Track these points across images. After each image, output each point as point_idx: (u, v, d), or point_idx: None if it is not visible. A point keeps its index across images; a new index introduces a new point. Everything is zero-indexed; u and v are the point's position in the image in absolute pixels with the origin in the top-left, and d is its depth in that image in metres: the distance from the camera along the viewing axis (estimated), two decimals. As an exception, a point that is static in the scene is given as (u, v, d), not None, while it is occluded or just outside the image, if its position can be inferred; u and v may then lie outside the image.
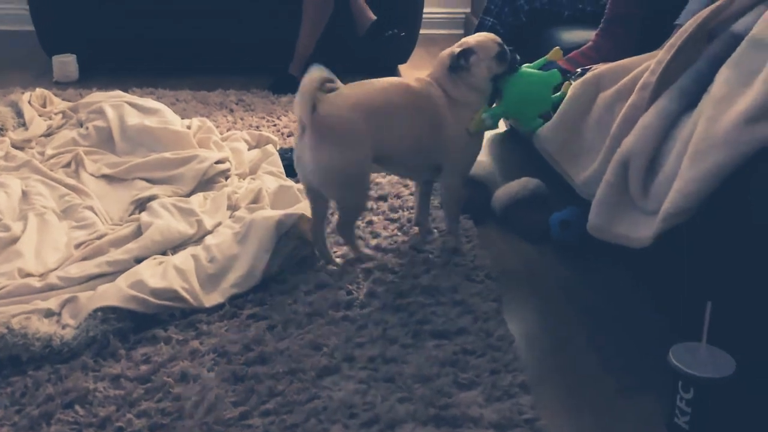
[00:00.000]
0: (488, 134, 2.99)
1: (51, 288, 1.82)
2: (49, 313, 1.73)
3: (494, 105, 2.05)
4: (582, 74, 2.06)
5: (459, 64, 1.98)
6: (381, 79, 2.00)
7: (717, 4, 1.68)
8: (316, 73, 1.82)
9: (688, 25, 1.67)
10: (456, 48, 2.01)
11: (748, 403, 1.43)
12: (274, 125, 3.05)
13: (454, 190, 2.07)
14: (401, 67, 4.03)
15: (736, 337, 1.46)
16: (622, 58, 1.94)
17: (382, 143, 1.90)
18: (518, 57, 2.02)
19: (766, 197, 1.32)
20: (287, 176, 2.46)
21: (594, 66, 2.03)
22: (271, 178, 2.41)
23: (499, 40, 2.03)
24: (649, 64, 1.71)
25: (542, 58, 2.06)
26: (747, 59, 1.46)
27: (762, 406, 1.43)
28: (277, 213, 2.03)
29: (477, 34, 2.08)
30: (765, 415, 1.43)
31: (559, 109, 1.93)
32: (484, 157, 2.80)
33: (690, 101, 1.57)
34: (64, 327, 1.68)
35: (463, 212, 2.30)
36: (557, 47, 2.07)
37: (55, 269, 1.91)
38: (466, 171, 2.11)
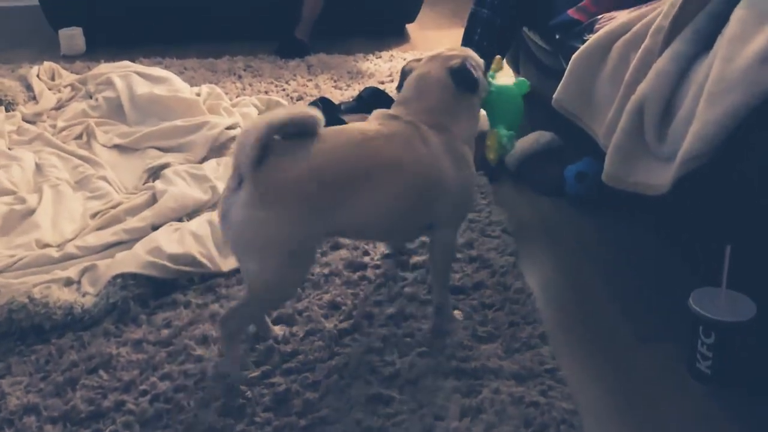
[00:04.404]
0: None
1: (69, 257, 1.83)
2: (68, 282, 1.74)
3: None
4: (592, 24, 2.03)
5: (473, 83, 1.55)
6: (355, 130, 1.47)
7: (730, -57, 1.64)
8: (279, 114, 1.36)
9: (701, -35, 1.64)
10: (454, 61, 1.55)
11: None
12: (283, 90, 3.04)
13: (449, 246, 1.60)
14: (409, 27, 3.99)
15: (756, 280, 1.45)
16: (634, 4, 1.91)
17: (345, 216, 1.40)
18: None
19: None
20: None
21: (605, 14, 2.00)
22: (283, 142, 2.40)
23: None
24: (663, 8, 1.67)
25: (489, 72, 1.85)
26: (762, -3, 1.43)
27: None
28: (291, 175, 2.03)
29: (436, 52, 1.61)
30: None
31: (570, 67, 1.89)
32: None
33: (704, 43, 1.54)
34: (84, 295, 1.70)
35: (478, 169, 2.27)
36: (498, 56, 1.96)
37: (73, 239, 1.92)
38: (464, 219, 1.73)
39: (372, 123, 1.53)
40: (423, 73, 1.56)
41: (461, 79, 1.54)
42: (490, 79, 1.75)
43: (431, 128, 1.49)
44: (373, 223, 1.46)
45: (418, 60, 1.63)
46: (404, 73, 1.63)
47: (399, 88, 1.63)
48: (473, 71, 1.55)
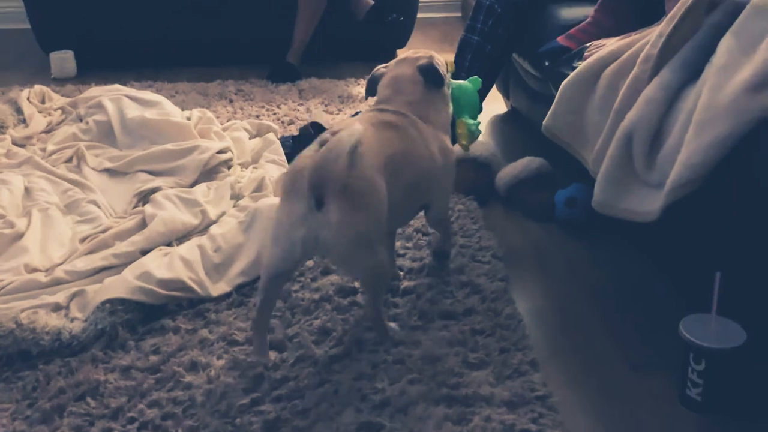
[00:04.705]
0: (490, 116, 3.01)
1: (58, 282, 1.82)
2: (56, 307, 1.73)
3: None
4: (581, 52, 2.05)
5: (440, 78, 1.75)
6: (364, 123, 1.56)
7: (717, -27, 1.66)
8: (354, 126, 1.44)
9: (688, -5, 1.66)
10: (422, 60, 1.75)
11: (760, 373, 1.42)
12: (274, 114, 3.04)
13: (445, 220, 1.90)
14: (400, 52, 4.02)
15: (746, 307, 1.45)
16: (623, 32, 1.93)
17: (390, 199, 1.54)
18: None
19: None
20: (289, 164, 2.45)
21: (594, 42, 2.02)
22: (274, 167, 2.40)
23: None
24: (651, 37, 1.69)
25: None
26: (749, 27, 1.45)
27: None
28: (281, 200, 2.02)
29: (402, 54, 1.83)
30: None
31: (559, 94, 1.91)
32: (486, 138, 2.80)
33: (692, 72, 1.56)
34: (72, 320, 1.68)
35: (468, 194, 2.29)
36: (451, 60, 2.11)
37: (61, 264, 1.91)
38: (450, 196, 1.92)
39: (367, 116, 1.66)
40: (396, 74, 1.74)
41: (430, 74, 1.73)
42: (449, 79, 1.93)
43: (418, 120, 1.68)
44: (396, 205, 1.56)
45: (386, 66, 1.79)
46: (373, 79, 1.79)
47: (368, 94, 1.80)
48: (439, 68, 1.74)
